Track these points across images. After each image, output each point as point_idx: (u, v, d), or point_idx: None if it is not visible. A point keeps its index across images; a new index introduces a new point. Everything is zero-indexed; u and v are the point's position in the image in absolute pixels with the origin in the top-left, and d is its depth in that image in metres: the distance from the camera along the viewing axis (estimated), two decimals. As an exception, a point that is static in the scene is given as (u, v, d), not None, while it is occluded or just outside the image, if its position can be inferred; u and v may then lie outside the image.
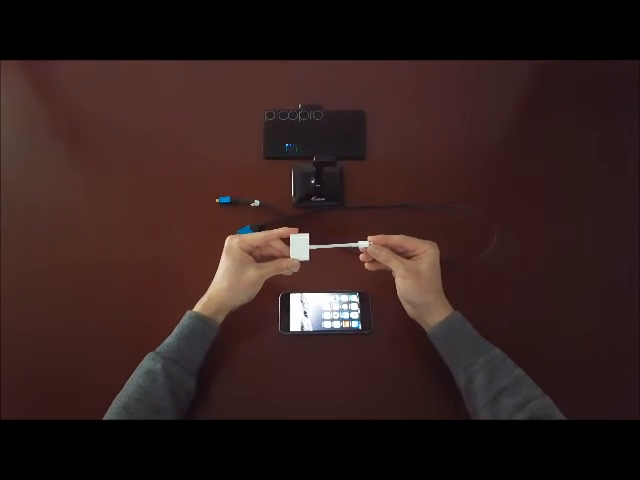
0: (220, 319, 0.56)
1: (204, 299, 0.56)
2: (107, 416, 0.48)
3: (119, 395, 0.50)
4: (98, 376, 0.57)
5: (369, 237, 0.56)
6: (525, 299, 0.64)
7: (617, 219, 0.70)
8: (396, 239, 0.56)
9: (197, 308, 0.56)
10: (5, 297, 0.63)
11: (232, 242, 0.56)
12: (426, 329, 0.57)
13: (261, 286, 0.57)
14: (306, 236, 0.56)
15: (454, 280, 0.58)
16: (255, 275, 0.55)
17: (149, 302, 0.63)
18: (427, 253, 0.55)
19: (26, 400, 0.57)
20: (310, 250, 0.56)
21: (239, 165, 0.73)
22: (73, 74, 0.80)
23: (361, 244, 0.57)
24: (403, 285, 0.56)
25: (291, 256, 0.56)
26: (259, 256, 0.59)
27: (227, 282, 0.55)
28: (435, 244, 0.56)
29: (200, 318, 0.54)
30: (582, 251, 0.68)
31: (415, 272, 0.55)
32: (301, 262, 0.57)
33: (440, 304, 0.56)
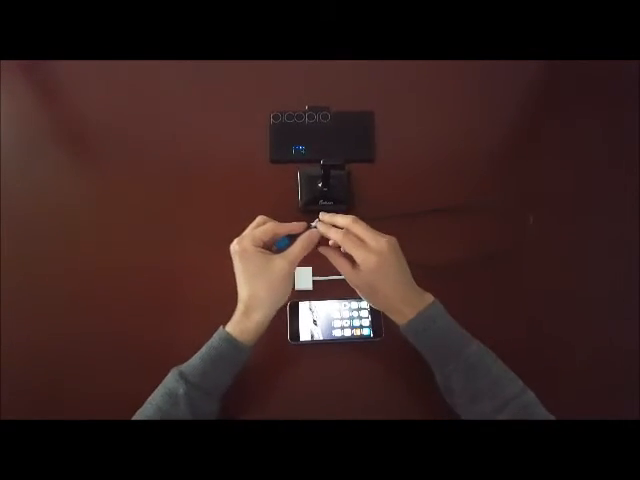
0: (256, 339, 0.52)
1: (239, 318, 0.51)
2: None
3: (140, 411, 0.48)
4: (99, 384, 0.56)
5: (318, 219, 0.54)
6: (528, 299, 0.63)
7: (621, 219, 0.68)
8: (335, 238, 0.52)
9: (231, 328, 0.51)
10: (5, 304, 0.61)
11: (243, 244, 0.51)
12: None
13: (293, 278, 0.53)
14: (309, 269, 0.62)
15: (462, 284, 0.57)
16: (286, 264, 0.50)
17: (152, 311, 0.62)
18: (361, 265, 0.50)
19: (26, 411, 0.56)
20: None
21: (244, 169, 0.71)
22: (74, 74, 0.78)
23: None
24: (356, 289, 0.54)
25: (296, 287, 0.58)
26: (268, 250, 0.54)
27: (264, 288, 0.51)
28: (376, 250, 0.50)
29: (230, 340, 0.50)
30: (587, 251, 0.66)
31: (355, 286, 0.53)
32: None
33: (398, 305, 0.52)
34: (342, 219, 0.52)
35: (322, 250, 0.54)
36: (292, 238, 0.53)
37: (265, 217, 0.54)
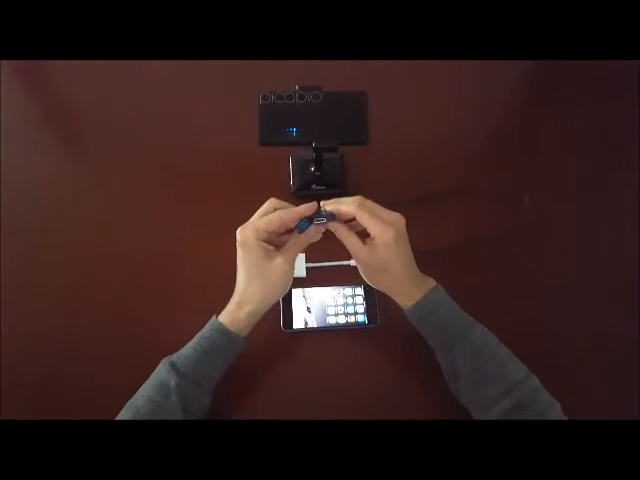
0: (248, 330, 0.51)
1: (232, 307, 0.50)
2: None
3: (130, 402, 0.47)
4: (96, 373, 0.56)
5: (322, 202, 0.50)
6: (524, 282, 0.62)
7: (618, 204, 0.68)
8: (348, 211, 0.48)
9: (223, 317, 0.50)
10: (4, 291, 0.60)
11: (246, 235, 0.48)
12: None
13: (293, 272, 0.50)
14: (302, 255, 0.61)
15: (457, 268, 0.57)
16: (284, 263, 0.48)
17: (148, 296, 0.61)
18: (377, 238, 0.48)
19: (19, 398, 0.55)
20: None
21: (233, 152, 0.70)
22: (67, 67, 0.76)
23: (353, 262, 0.59)
24: (361, 269, 0.52)
25: None
26: (276, 238, 0.51)
27: (258, 283, 0.49)
28: (393, 223, 0.48)
29: (223, 331, 0.49)
30: (584, 235, 0.66)
31: (365, 263, 0.50)
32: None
33: (406, 286, 0.50)
34: (350, 198, 0.49)
35: (331, 226, 0.50)
36: (311, 218, 0.49)
37: (275, 201, 0.50)
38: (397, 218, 0.49)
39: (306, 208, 0.49)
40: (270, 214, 0.49)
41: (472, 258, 0.63)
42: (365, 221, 0.48)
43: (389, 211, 0.49)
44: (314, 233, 0.50)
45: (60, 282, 0.62)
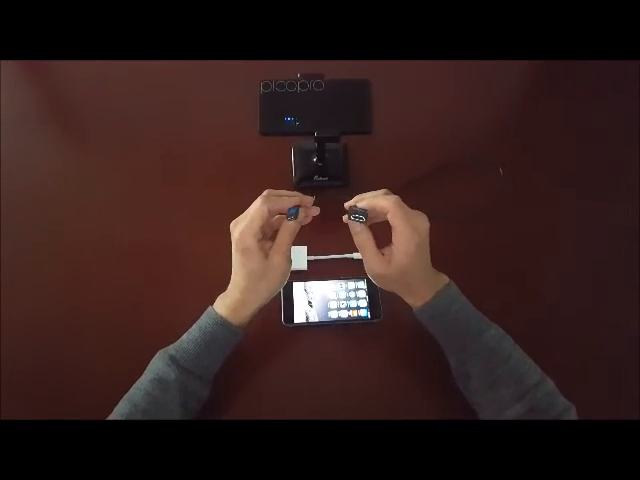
0: (249, 320, 0.51)
1: (233, 303, 0.49)
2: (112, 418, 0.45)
3: (126, 396, 0.46)
4: (95, 364, 0.55)
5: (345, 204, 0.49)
6: (528, 288, 0.61)
7: (622, 215, 0.66)
8: (383, 206, 0.46)
9: (224, 312, 0.49)
10: (4, 282, 0.60)
11: (246, 242, 0.46)
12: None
13: (291, 261, 0.50)
14: (304, 248, 0.60)
15: (454, 254, 0.55)
16: (283, 261, 0.48)
17: (149, 288, 0.60)
18: (405, 245, 0.45)
19: (20, 396, 0.55)
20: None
21: (233, 142, 0.69)
22: (68, 62, 0.75)
23: (356, 255, 0.59)
24: (371, 274, 0.50)
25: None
26: (267, 226, 0.49)
27: (263, 284, 0.48)
28: (418, 229, 0.46)
29: (226, 325, 0.48)
30: (588, 247, 0.64)
31: (379, 276, 0.48)
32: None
33: (418, 287, 0.49)
34: (382, 192, 0.48)
35: (354, 228, 0.48)
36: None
37: (269, 203, 0.47)
38: (423, 224, 0.46)
39: (296, 201, 0.48)
40: (261, 210, 0.47)
41: (476, 250, 0.62)
42: (397, 222, 0.45)
43: (415, 213, 0.47)
44: (303, 217, 0.49)
45: (61, 273, 0.61)
